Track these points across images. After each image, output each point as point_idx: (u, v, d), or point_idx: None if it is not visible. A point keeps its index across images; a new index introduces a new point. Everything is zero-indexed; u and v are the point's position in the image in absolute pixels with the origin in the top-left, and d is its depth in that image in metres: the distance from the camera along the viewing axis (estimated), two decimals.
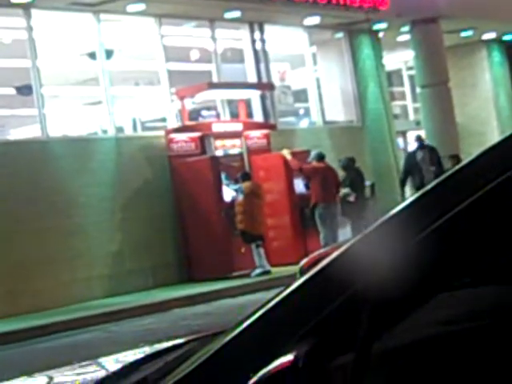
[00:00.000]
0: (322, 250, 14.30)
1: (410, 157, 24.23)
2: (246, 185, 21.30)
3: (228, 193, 21.73)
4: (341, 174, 22.19)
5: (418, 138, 24.44)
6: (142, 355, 2.99)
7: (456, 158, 23.31)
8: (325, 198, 21.19)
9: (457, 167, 2.11)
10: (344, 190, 21.91)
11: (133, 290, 19.61)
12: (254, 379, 2.01)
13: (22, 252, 18.20)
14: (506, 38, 32.91)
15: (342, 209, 21.69)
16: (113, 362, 3.11)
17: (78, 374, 3.21)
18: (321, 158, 21.59)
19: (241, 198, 21.22)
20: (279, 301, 2.15)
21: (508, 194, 1.99)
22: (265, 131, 23.56)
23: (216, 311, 16.35)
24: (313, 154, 21.84)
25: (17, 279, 17.98)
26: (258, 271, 20.98)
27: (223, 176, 21.85)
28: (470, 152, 22.12)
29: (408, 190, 24.12)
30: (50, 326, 16.05)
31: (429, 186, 2.09)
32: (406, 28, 27.81)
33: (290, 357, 1.99)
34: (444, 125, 27.33)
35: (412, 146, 26.09)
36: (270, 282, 19.13)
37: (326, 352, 2.01)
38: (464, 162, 2.11)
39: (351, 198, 21.93)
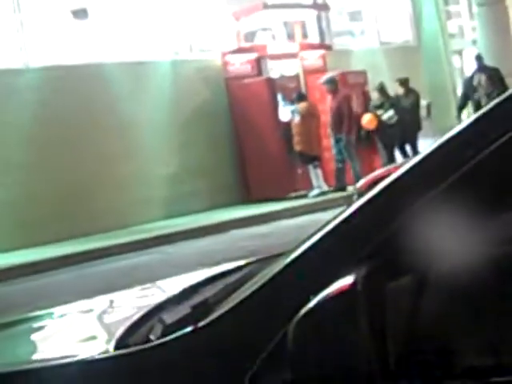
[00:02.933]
0: (378, 172, 14.25)
1: (467, 81, 23.84)
2: (301, 106, 21.28)
3: (285, 114, 21.71)
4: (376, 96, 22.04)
5: (478, 58, 23.71)
6: (201, 278, 2.99)
7: None
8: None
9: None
10: (389, 113, 21.75)
11: (190, 212, 19.66)
12: (314, 301, 2.00)
13: (80, 175, 18.30)
14: None
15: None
16: (173, 285, 3.13)
17: (139, 298, 3.23)
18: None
19: (297, 118, 21.20)
20: (339, 223, 2.14)
21: None
22: (320, 52, 23.44)
23: (273, 232, 16.37)
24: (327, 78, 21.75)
25: (75, 202, 18.09)
26: (315, 192, 20.98)
27: (280, 97, 21.83)
28: None
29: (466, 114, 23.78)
30: (109, 249, 16.16)
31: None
32: None
33: (349, 279, 1.99)
34: (501, 43, 27.01)
35: (469, 65, 25.69)
36: (327, 202, 19.13)
37: (385, 274, 2.00)
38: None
39: (393, 121, 21.74)
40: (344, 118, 21.39)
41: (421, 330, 1.96)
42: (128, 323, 2.51)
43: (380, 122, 21.60)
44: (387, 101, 21.90)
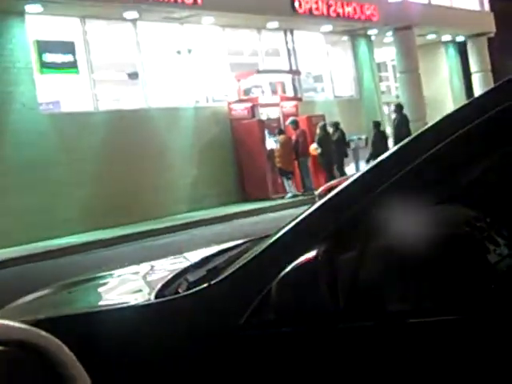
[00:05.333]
0: (333, 181, 14.23)
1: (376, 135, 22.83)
2: (281, 137, 21.30)
3: (270, 143, 21.72)
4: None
5: (397, 107, 23.16)
6: (214, 251, 2.98)
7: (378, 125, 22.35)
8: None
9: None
10: (314, 146, 21.47)
11: (205, 208, 19.66)
12: (289, 268, 2.00)
13: (134, 182, 18.32)
14: (458, 39, 32.45)
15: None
16: (195, 255, 3.11)
17: (171, 264, 3.21)
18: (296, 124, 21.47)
19: (278, 146, 21.21)
20: (306, 215, 2.14)
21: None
22: (294, 102, 23.43)
23: (263, 221, 16.39)
24: (290, 120, 21.65)
25: (131, 199, 18.10)
26: (289, 195, 20.97)
27: (266, 132, 21.85)
28: (433, 117, 21.86)
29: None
30: (152, 231, 16.16)
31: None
32: (390, 33, 27.48)
33: (313, 253, 1.98)
34: (415, 98, 27.07)
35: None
36: (298, 202, 19.13)
37: (337, 250, 1.99)
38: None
39: (318, 151, 21.37)
40: (299, 146, 21.37)
41: (361, 285, 1.95)
42: (163, 281, 2.50)
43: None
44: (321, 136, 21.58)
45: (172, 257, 3.45)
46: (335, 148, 21.48)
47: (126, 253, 13.54)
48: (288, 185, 21.24)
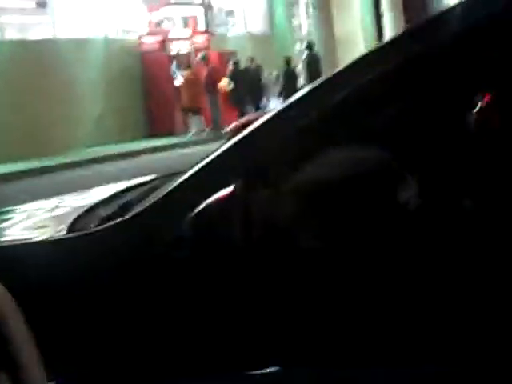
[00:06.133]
0: (243, 119, 14.18)
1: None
2: (186, 73, 21.07)
3: (180, 79, 21.49)
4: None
5: (309, 44, 23.13)
6: (124, 187, 2.96)
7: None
8: None
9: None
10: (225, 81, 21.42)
11: (110, 143, 19.30)
12: (206, 203, 2.00)
13: (38, 114, 17.91)
14: None
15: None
16: (103, 192, 3.07)
17: (79, 200, 3.17)
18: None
19: (183, 82, 21.02)
20: (221, 151, 2.14)
21: None
22: (205, 36, 23.23)
23: (170, 157, 16.26)
24: (200, 55, 21.47)
25: (33, 131, 17.69)
26: (194, 132, 20.84)
27: (175, 66, 21.67)
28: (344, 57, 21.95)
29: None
30: (55, 167, 15.76)
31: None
32: None
33: (230, 188, 1.99)
34: (326, 35, 27.06)
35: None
36: (208, 139, 19.05)
37: (251, 186, 2.00)
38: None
39: (230, 87, 21.32)
40: (210, 82, 21.20)
41: (271, 223, 1.99)
42: (74, 216, 2.47)
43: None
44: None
45: (78, 192, 3.41)
46: (249, 84, 21.46)
47: (27, 188, 13.06)
48: (195, 123, 21.07)
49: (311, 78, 19.89)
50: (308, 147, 2.01)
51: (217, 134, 18.15)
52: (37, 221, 2.87)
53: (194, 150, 16.91)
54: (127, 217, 2.17)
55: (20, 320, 1.36)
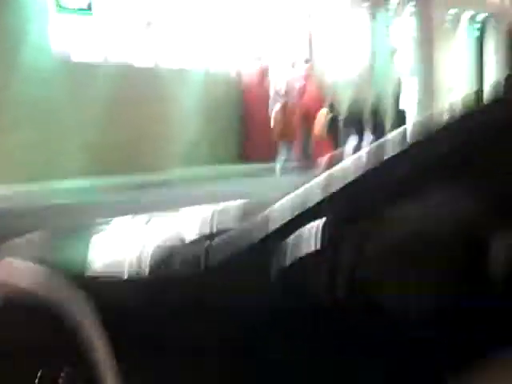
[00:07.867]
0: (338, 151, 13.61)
1: None
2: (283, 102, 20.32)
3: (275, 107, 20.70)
4: None
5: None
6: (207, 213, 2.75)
7: None
8: None
9: None
10: None
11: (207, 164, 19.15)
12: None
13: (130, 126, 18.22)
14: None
15: None
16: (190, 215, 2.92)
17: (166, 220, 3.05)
18: None
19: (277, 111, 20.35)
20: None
21: None
22: (308, 66, 22.22)
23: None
24: None
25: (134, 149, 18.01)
26: (283, 159, 19.32)
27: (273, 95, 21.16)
28: None
29: None
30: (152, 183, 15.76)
31: None
32: None
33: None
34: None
35: None
36: (293, 167, 18.17)
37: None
38: None
39: None
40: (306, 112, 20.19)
41: None
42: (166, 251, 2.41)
43: None
44: None
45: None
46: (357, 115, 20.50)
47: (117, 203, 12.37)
48: (285, 151, 20.05)
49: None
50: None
51: (306, 164, 17.89)
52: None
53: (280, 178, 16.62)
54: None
55: (96, 327, 1.42)
